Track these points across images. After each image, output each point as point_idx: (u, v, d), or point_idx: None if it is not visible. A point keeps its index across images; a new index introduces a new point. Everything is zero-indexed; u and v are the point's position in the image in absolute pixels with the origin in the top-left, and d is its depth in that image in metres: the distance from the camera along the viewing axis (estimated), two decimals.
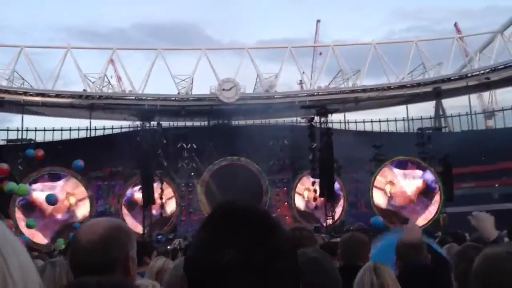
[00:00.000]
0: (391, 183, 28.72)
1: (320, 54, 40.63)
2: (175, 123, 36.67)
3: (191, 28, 64.53)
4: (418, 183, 28.34)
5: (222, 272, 0.95)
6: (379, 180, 28.59)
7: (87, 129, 35.88)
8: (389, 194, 28.64)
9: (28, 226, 21.20)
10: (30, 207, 26.40)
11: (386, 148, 29.19)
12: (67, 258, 2.06)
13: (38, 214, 26.28)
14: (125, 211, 30.21)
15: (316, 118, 30.77)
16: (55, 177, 30.64)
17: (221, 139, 31.93)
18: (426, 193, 28.01)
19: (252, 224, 1.00)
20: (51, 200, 20.59)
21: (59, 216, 27.86)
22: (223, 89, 35.60)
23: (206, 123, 36.12)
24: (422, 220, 26.26)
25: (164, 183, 32.25)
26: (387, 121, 38.86)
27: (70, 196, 29.49)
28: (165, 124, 36.06)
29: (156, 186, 31.81)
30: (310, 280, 1.85)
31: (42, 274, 2.41)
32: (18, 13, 70.11)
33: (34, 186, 27.55)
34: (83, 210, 28.71)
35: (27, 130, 35.04)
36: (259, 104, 35.27)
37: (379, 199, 28.60)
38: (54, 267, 2.52)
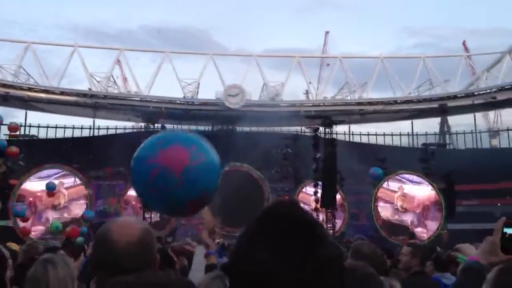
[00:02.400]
0: (402, 195, 28.43)
1: (328, 65, 40.63)
2: (179, 127, 36.55)
3: (199, 33, 64.66)
4: (430, 191, 27.90)
5: (271, 280, 0.91)
6: (386, 192, 28.40)
7: (90, 128, 35.75)
8: (399, 207, 28.38)
9: (56, 228, 20.70)
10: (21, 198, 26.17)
11: (389, 162, 29.03)
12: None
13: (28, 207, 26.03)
14: (124, 211, 29.98)
15: (321, 129, 30.66)
16: (55, 174, 30.52)
17: (224, 145, 31.61)
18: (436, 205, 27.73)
19: (303, 232, 0.95)
20: (51, 187, 20.43)
21: (49, 212, 27.69)
22: (229, 95, 35.55)
23: (210, 128, 35.98)
24: (424, 235, 26.04)
25: None
26: (392, 135, 38.74)
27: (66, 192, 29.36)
28: (169, 127, 35.99)
29: None
30: None
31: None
32: (26, 9, 70.49)
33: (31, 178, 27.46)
34: (77, 208, 28.49)
35: (30, 126, 34.94)
36: (264, 111, 35.17)
37: (385, 211, 28.38)
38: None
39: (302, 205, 1.08)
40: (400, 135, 38.76)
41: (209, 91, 37.08)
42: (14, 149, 19.36)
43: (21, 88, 34.17)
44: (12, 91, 33.86)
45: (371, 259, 3.08)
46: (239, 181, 30.27)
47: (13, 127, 21.33)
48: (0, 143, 20.11)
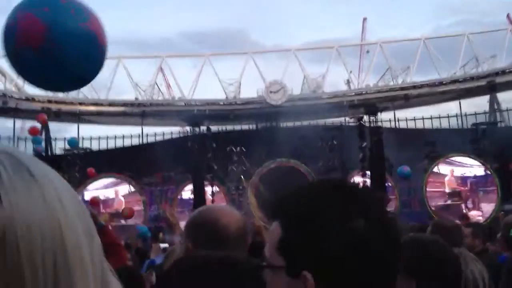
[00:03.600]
0: (454, 178, 27.86)
1: (368, 52, 40.15)
2: (224, 127, 37.09)
3: (237, 34, 65.22)
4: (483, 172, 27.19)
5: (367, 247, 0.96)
6: (437, 177, 27.93)
7: (139, 136, 36.78)
8: (452, 191, 27.87)
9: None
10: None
11: (439, 146, 28.51)
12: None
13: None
14: (177, 215, 30.74)
15: (365, 117, 30.44)
16: (109, 183, 31.66)
17: (269, 142, 32.03)
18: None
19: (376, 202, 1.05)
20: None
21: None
22: (271, 92, 35.77)
23: (254, 126, 36.32)
24: (479, 218, 25.45)
25: (215, 186, 32.67)
26: (439, 117, 37.84)
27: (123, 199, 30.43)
28: (214, 128, 36.63)
29: (207, 189, 32.25)
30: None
31: None
32: None
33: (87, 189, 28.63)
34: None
35: (83, 139, 36.37)
36: (307, 105, 35.17)
37: (438, 196, 27.94)
38: None
39: None
40: (448, 117, 37.84)
41: (251, 90, 37.42)
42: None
43: (72, 103, 35.55)
44: (64, 107, 35.31)
45: (450, 232, 3.34)
46: (286, 176, 30.51)
47: (33, 130, 22.33)
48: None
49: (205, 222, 1.80)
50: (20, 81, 36.35)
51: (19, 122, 32.18)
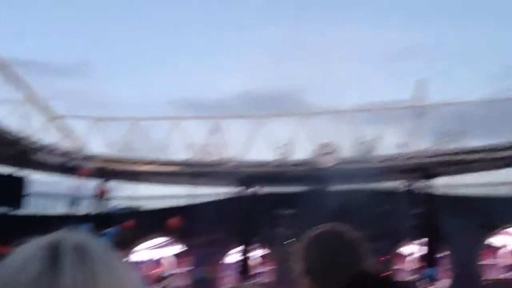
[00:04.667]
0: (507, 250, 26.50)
1: (422, 114, 39.41)
2: (274, 189, 37.07)
3: (289, 95, 66.04)
4: None
5: None
6: (493, 249, 26.61)
7: (188, 196, 37.32)
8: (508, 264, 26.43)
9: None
10: None
11: (495, 215, 27.25)
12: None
13: None
14: (221, 279, 30.65)
15: (418, 183, 29.66)
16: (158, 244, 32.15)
17: (318, 205, 31.65)
18: None
19: None
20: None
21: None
22: (321, 154, 35.66)
23: (304, 188, 36.10)
24: None
25: (262, 249, 32.43)
26: (496, 184, 36.21)
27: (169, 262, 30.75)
28: (264, 190, 36.69)
29: (255, 253, 32.05)
30: None
31: None
32: (132, 90, 76.52)
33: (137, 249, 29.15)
34: (180, 277, 29.65)
35: (136, 198, 37.31)
36: (358, 168, 34.70)
37: (494, 270, 26.52)
38: None
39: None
40: (506, 184, 36.15)
41: (302, 151, 37.42)
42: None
43: (127, 162, 36.81)
44: (120, 166, 36.61)
45: None
46: (336, 241, 29.86)
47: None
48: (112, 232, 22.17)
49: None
50: (81, 141, 38.26)
51: (77, 180, 33.49)
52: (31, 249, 0.75)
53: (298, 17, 77.41)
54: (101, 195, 35.01)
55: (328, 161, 35.41)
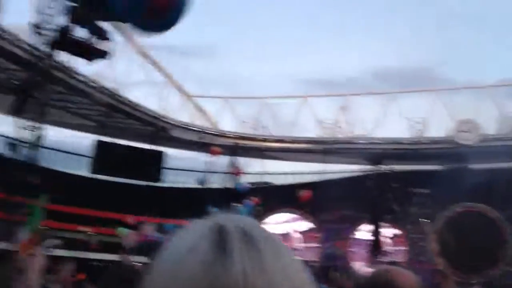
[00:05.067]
0: None
1: None
2: (407, 167, 35.50)
3: (424, 70, 62.34)
4: None
5: None
6: None
7: (319, 173, 37.09)
8: None
9: None
10: None
11: None
12: None
13: None
14: (352, 255, 30.15)
15: None
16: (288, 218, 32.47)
17: (456, 184, 29.68)
18: None
19: None
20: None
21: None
22: (461, 131, 33.35)
23: (439, 167, 34.06)
24: None
25: (394, 228, 31.35)
26: None
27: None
28: (397, 168, 35.28)
29: (385, 231, 31.07)
30: None
31: None
32: (265, 69, 77.73)
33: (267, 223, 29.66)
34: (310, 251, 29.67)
35: (265, 173, 37.92)
36: (502, 145, 31.93)
37: None
38: None
39: None
40: None
41: (438, 128, 35.29)
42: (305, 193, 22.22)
43: (257, 140, 37.55)
44: (250, 143, 37.46)
45: None
46: (473, 222, 27.99)
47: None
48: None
49: (380, 282, 1.86)
50: (214, 118, 39.77)
51: (209, 157, 34.91)
52: (198, 231, 0.72)
53: None
54: (235, 173, 36.18)
55: (468, 139, 33.00)
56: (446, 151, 33.66)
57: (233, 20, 75.26)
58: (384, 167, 34.83)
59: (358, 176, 35.64)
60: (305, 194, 30.32)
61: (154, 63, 36.11)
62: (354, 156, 36.46)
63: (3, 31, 22.01)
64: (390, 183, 32.24)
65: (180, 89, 38.57)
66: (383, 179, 33.56)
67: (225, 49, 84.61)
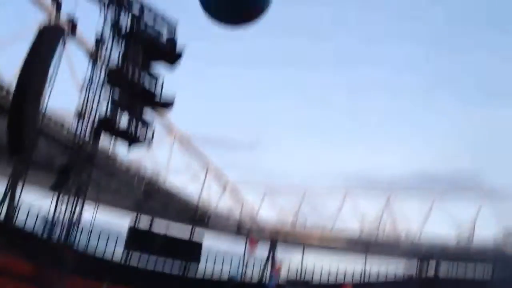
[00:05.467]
0: None
1: None
2: (453, 274, 33.55)
3: (470, 175, 60.56)
4: None
5: None
6: None
7: (360, 274, 35.32)
8: None
9: None
10: None
11: None
12: None
13: None
14: None
15: None
16: None
17: None
18: None
19: None
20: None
21: None
22: (508, 238, 31.93)
23: (488, 275, 32.04)
24: None
25: None
26: None
27: None
28: (443, 267, 33.57)
29: None
30: None
31: None
32: (302, 162, 77.74)
33: None
34: None
35: (306, 270, 36.01)
36: None
37: None
38: None
39: None
40: None
41: (486, 232, 33.64)
42: None
43: (298, 232, 36.83)
44: (289, 235, 36.66)
45: None
46: None
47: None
48: None
49: None
50: (253, 208, 39.35)
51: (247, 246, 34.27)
52: None
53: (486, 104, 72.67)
54: (275, 268, 35.26)
55: None
56: (494, 257, 31.97)
57: (276, 115, 76.86)
58: (429, 272, 33.15)
59: (402, 279, 33.88)
60: None
61: (196, 152, 36.36)
62: (397, 253, 34.92)
63: (50, 115, 22.89)
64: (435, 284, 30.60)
65: (221, 178, 38.51)
66: (427, 284, 31.81)
67: (267, 142, 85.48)
